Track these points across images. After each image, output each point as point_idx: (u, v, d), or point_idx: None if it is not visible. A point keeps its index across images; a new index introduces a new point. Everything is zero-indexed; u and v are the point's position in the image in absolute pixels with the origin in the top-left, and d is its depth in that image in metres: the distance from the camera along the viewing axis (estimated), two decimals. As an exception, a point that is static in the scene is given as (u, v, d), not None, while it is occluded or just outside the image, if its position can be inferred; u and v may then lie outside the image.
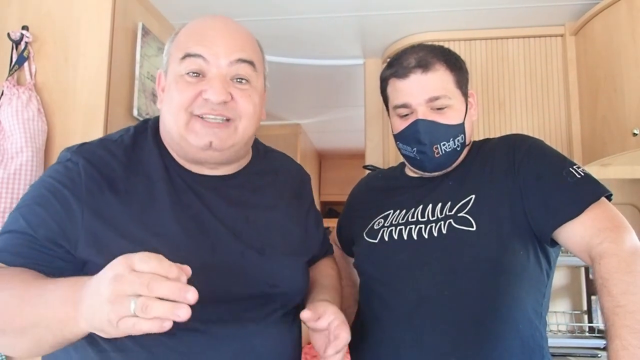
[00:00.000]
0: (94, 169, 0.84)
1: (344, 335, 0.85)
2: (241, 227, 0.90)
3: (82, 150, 0.88)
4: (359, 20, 1.92)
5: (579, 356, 1.74)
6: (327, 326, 0.86)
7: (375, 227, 1.11)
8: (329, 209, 4.46)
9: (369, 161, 2.24)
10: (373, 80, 2.23)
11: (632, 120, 1.55)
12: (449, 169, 1.10)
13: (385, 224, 1.10)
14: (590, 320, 1.99)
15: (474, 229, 0.98)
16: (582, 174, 0.96)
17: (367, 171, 2.00)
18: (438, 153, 1.06)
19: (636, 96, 1.54)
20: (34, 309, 0.66)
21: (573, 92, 1.87)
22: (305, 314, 0.85)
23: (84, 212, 0.80)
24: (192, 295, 0.57)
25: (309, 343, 0.93)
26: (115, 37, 1.49)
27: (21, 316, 0.66)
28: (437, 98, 1.04)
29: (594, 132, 1.75)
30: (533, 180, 0.99)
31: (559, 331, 2.02)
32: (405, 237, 1.04)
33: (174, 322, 0.80)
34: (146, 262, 0.58)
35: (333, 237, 1.36)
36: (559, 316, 2.03)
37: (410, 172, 1.18)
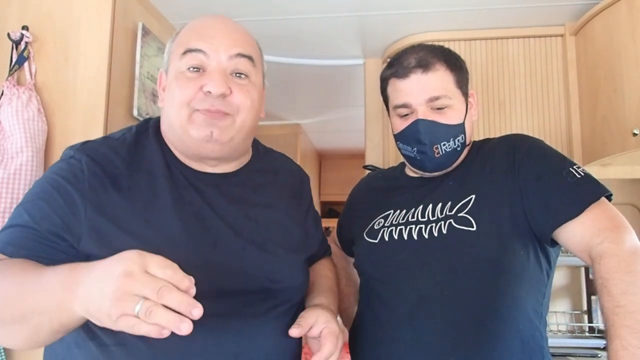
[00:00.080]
0: (96, 165, 0.85)
1: (328, 347, 0.86)
2: (242, 223, 0.91)
3: (85, 147, 0.89)
4: (359, 20, 1.92)
5: (579, 356, 1.74)
6: (319, 334, 0.88)
7: (376, 227, 1.11)
8: (329, 209, 4.46)
9: (369, 161, 2.24)
10: (373, 80, 2.23)
11: (632, 120, 1.55)
12: (449, 169, 1.10)
13: (386, 224, 1.10)
14: (590, 320, 1.99)
15: (474, 229, 0.98)
16: (582, 174, 0.96)
17: (367, 171, 2.00)
18: (438, 153, 1.06)
19: (636, 96, 1.54)
20: (32, 294, 0.66)
21: (573, 92, 1.87)
22: (294, 332, 0.86)
23: (86, 208, 0.81)
24: (197, 312, 0.57)
25: (307, 344, 0.94)
26: (115, 37, 1.49)
27: (20, 302, 0.67)
28: (437, 98, 1.04)
29: (594, 132, 1.75)
30: (533, 180, 0.99)
31: (559, 331, 2.02)
32: (405, 237, 1.04)
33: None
34: (162, 269, 0.58)
35: (333, 237, 1.36)
36: (559, 316, 2.03)
37: (411, 172, 1.18)
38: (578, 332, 1.98)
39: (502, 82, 1.95)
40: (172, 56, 0.93)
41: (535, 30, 1.95)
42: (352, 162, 4.19)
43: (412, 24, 1.95)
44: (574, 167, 0.98)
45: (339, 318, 1.01)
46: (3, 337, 0.71)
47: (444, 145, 1.06)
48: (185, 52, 0.89)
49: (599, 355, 1.72)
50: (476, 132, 1.84)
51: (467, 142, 1.11)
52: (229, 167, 0.97)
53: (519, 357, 0.94)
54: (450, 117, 1.06)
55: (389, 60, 1.21)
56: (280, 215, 0.98)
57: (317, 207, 4.43)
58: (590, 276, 1.99)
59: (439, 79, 1.05)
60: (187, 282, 0.59)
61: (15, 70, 1.42)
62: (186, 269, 0.81)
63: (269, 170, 1.05)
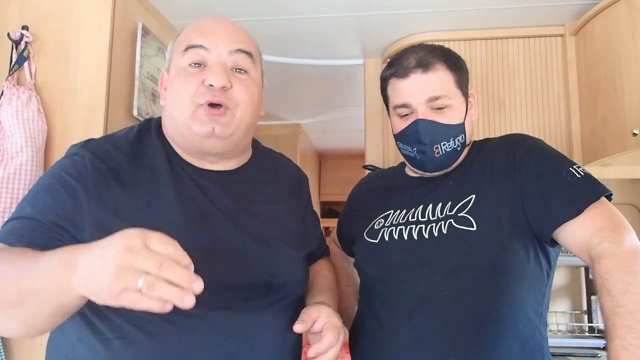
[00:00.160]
0: (99, 161, 0.87)
1: (329, 338, 0.87)
2: (243, 218, 0.93)
3: (88, 145, 0.91)
4: (359, 20, 1.91)
5: (579, 356, 1.74)
6: (322, 328, 0.89)
7: (376, 227, 1.11)
8: (329, 209, 4.46)
9: (369, 161, 2.24)
10: (373, 80, 2.23)
11: (632, 120, 1.55)
12: (449, 169, 1.10)
13: (386, 224, 1.10)
14: (590, 320, 1.99)
15: (474, 229, 0.98)
16: (582, 174, 0.96)
17: (367, 171, 2.00)
18: (438, 153, 1.06)
19: (636, 96, 1.54)
20: (31, 274, 0.66)
21: (573, 92, 1.87)
22: (298, 327, 0.87)
23: (90, 202, 0.82)
24: (198, 286, 0.58)
25: (309, 343, 0.94)
26: (115, 37, 1.49)
27: (19, 284, 0.67)
28: (437, 98, 1.04)
29: (593, 132, 1.75)
30: (533, 180, 0.99)
31: (559, 331, 2.02)
32: (405, 237, 1.04)
33: (177, 309, 0.82)
34: (164, 245, 0.58)
35: (333, 237, 1.36)
36: (558, 316, 2.03)
37: (411, 172, 1.18)
38: (578, 332, 1.98)
39: (502, 82, 1.95)
40: (173, 55, 0.96)
41: (535, 30, 1.95)
42: (352, 162, 4.18)
43: (412, 24, 1.95)
44: (574, 166, 0.98)
45: (339, 318, 1.01)
46: (1, 322, 0.71)
47: (444, 145, 1.06)
48: (186, 49, 0.92)
49: (599, 355, 1.72)
50: (476, 132, 1.84)
51: (467, 142, 1.11)
52: (230, 164, 0.98)
53: (519, 357, 0.94)
54: (450, 117, 1.06)
55: (388, 60, 1.21)
56: (280, 212, 1.00)
57: (317, 207, 4.45)
58: (590, 276, 1.99)
59: (439, 79, 1.05)
60: (188, 259, 0.59)
61: (15, 70, 1.42)
62: None
63: (268, 168, 1.06)
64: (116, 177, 0.86)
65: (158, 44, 1.71)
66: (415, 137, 1.06)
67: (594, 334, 1.94)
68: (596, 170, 1.73)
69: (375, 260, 1.09)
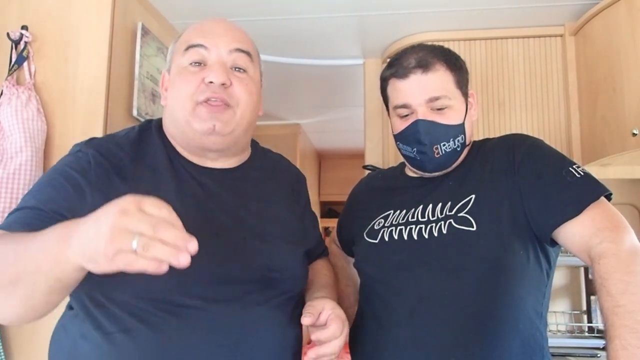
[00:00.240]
0: (102, 158, 0.89)
1: (333, 328, 0.88)
2: (242, 215, 0.95)
3: (91, 142, 0.93)
4: (359, 20, 1.91)
5: (579, 356, 1.74)
6: (326, 320, 0.90)
7: (376, 227, 1.11)
8: (329, 209, 4.46)
9: (368, 161, 2.24)
10: (373, 80, 2.23)
11: (631, 120, 1.55)
12: (449, 169, 1.10)
13: (386, 224, 1.10)
14: (589, 320, 1.99)
15: (474, 228, 0.98)
16: (582, 173, 0.96)
17: (367, 171, 2.00)
18: (438, 153, 1.06)
19: (636, 96, 1.55)
20: (29, 251, 0.67)
21: (572, 92, 1.87)
22: (306, 320, 0.88)
23: (94, 195, 0.84)
24: (193, 245, 0.58)
25: (309, 342, 0.94)
26: (114, 37, 1.49)
27: (17, 263, 0.67)
28: (437, 98, 1.04)
29: (593, 132, 1.75)
30: (533, 180, 0.99)
31: (559, 331, 2.02)
32: (405, 237, 1.04)
33: (177, 303, 0.82)
34: (157, 208, 0.59)
35: (333, 237, 1.36)
36: (558, 316, 2.03)
37: (410, 172, 1.18)
38: (577, 332, 1.98)
39: (501, 82, 1.95)
40: (174, 55, 0.98)
41: (534, 31, 1.94)
42: (351, 162, 4.18)
43: (411, 24, 1.95)
44: (574, 166, 0.98)
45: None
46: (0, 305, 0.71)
47: (444, 145, 1.06)
48: (187, 48, 0.94)
49: (599, 355, 1.72)
50: (476, 132, 1.84)
51: (467, 142, 1.11)
52: (230, 162, 1.00)
53: (519, 357, 0.94)
54: (450, 118, 1.06)
55: (388, 60, 1.21)
56: (279, 209, 1.02)
57: (317, 207, 4.45)
58: (590, 276, 1.99)
59: (438, 79, 1.05)
60: (181, 223, 0.60)
61: (15, 70, 1.42)
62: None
63: (267, 168, 1.08)
64: (118, 173, 0.88)
65: (158, 44, 1.71)
66: (415, 137, 1.06)
67: (593, 334, 1.94)
68: (596, 170, 1.73)
69: (375, 261, 1.09)
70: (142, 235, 0.56)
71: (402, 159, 1.18)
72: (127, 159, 0.91)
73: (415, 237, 1.03)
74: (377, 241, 1.08)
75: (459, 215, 1.01)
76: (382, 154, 2.23)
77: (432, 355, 0.95)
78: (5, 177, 1.30)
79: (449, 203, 1.04)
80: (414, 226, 1.05)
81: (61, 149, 1.41)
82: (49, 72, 1.47)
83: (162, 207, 0.59)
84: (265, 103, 1.04)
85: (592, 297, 1.99)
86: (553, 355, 1.06)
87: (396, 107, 1.08)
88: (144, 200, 0.59)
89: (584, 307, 2.03)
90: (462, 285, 0.97)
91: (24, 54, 1.44)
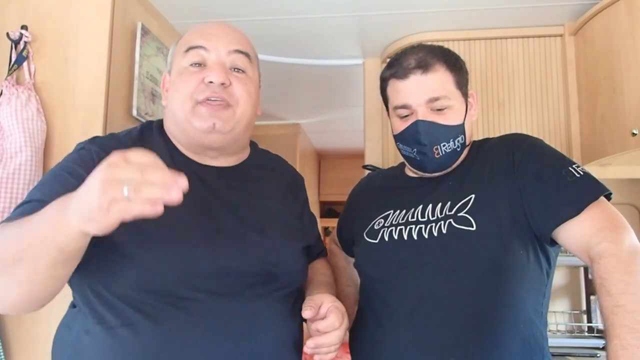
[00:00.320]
0: (105, 154, 0.92)
1: (332, 318, 0.89)
2: (243, 211, 0.96)
3: (94, 140, 0.96)
4: (359, 20, 1.91)
5: (578, 356, 1.74)
6: (326, 313, 0.91)
7: (376, 227, 1.11)
8: (329, 209, 4.46)
9: (368, 161, 2.24)
10: (372, 80, 2.23)
11: (631, 120, 1.55)
12: (449, 169, 1.10)
13: (386, 224, 1.10)
14: (589, 320, 1.99)
15: (474, 228, 0.98)
16: (582, 173, 0.96)
17: (367, 171, 2.00)
18: (438, 154, 1.06)
19: (635, 96, 1.55)
20: (30, 227, 0.70)
21: (572, 92, 1.87)
22: (307, 313, 0.89)
23: None
24: (182, 181, 0.61)
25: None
26: (114, 36, 1.49)
27: (19, 240, 0.70)
28: (437, 99, 1.04)
29: (593, 132, 1.75)
30: (532, 180, 0.99)
31: (558, 331, 2.02)
32: (405, 237, 1.04)
33: (180, 296, 0.83)
34: (143, 157, 0.61)
35: (333, 237, 1.36)
36: (558, 316, 2.03)
37: (410, 172, 1.18)
38: (577, 332, 1.98)
39: (501, 82, 1.95)
40: (175, 57, 1.00)
41: (534, 31, 1.95)
42: (351, 162, 4.18)
43: (411, 24, 1.95)
44: (573, 166, 0.98)
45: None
46: (3, 285, 0.72)
47: (444, 146, 1.06)
48: (187, 50, 0.97)
49: (598, 355, 1.72)
50: (476, 132, 1.84)
51: (467, 143, 1.11)
52: (230, 161, 1.03)
53: (519, 357, 0.94)
54: (450, 118, 1.06)
55: (388, 60, 1.21)
56: (279, 206, 1.03)
57: (317, 207, 4.44)
58: (590, 276, 1.99)
59: (438, 80, 1.05)
60: (165, 167, 0.62)
61: (15, 70, 1.42)
62: (192, 250, 0.85)
63: (266, 167, 1.11)
64: None
65: (157, 43, 1.71)
66: (415, 138, 1.06)
67: (593, 334, 1.94)
68: (595, 170, 1.74)
69: (375, 261, 1.09)
70: (131, 182, 0.58)
71: (402, 159, 1.18)
72: None
73: (415, 237, 1.03)
74: (377, 241, 1.08)
75: (458, 215, 1.01)
76: (382, 154, 2.23)
77: (432, 355, 0.95)
78: (5, 177, 1.30)
79: (449, 203, 1.04)
80: (414, 226, 1.05)
81: (61, 149, 1.41)
82: (48, 72, 1.47)
83: (146, 155, 0.61)
84: (265, 103, 1.05)
85: (592, 297, 1.99)
86: (553, 355, 1.06)
87: (396, 108, 1.08)
88: (129, 152, 0.61)
89: (584, 307, 2.03)
90: (462, 285, 0.97)
91: (24, 53, 1.44)
